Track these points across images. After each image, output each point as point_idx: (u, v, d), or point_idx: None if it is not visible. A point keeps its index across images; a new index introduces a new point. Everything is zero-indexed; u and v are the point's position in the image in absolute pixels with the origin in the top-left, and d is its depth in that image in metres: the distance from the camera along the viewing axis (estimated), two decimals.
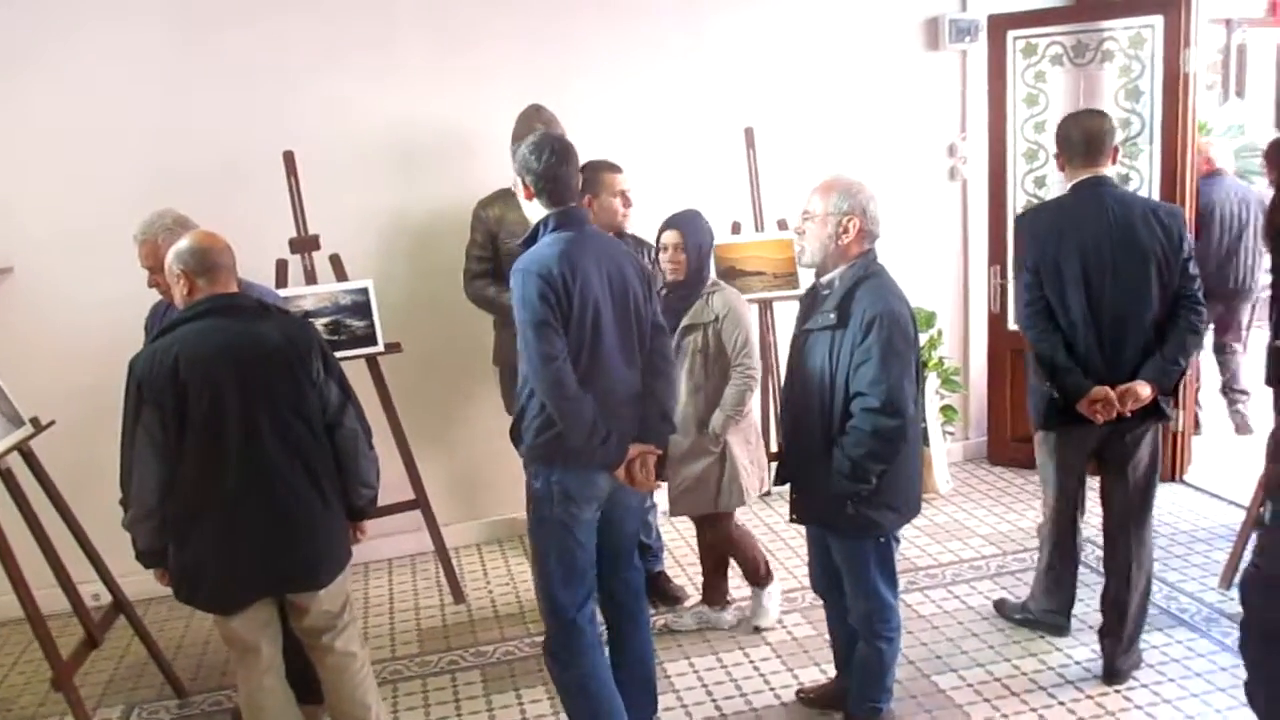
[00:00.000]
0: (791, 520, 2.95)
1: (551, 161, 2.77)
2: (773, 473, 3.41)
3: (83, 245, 4.19)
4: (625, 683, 3.05)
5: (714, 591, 3.91)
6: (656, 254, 3.68)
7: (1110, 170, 3.32)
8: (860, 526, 2.78)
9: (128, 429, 2.62)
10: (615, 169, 3.70)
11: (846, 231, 2.74)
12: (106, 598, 3.60)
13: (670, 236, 3.56)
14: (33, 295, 4.24)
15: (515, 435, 2.90)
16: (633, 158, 4.21)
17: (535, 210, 2.85)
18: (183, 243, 2.72)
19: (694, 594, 4.07)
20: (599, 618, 3.03)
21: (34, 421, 3.39)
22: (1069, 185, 3.33)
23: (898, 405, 2.64)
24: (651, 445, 2.90)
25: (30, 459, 3.39)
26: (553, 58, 4.64)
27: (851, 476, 2.69)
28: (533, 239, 2.82)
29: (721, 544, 3.81)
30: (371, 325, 4.12)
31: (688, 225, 3.57)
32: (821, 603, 3.22)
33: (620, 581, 3.10)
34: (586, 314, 2.72)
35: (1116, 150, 3.35)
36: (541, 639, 3.45)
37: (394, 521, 4.30)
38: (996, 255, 5.28)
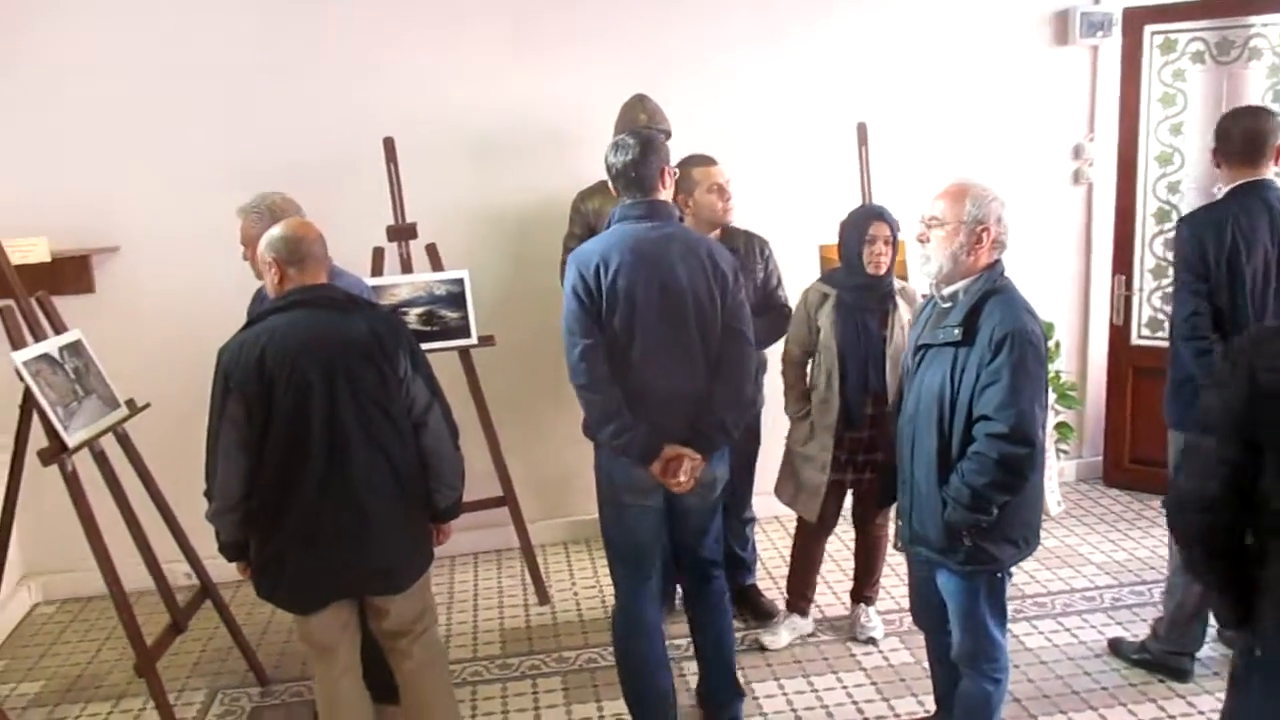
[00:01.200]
0: (897, 547, 2.75)
1: (628, 158, 2.81)
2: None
3: (186, 228, 4.21)
4: (708, 667, 3.18)
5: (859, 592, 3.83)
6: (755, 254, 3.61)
7: (1273, 172, 3.08)
8: (976, 560, 2.57)
9: (214, 420, 2.57)
10: (709, 161, 3.55)
11: (980, 242, 2.53)
12: (196, 579, 3.60)
13: (881, 229, 3.39)
14: (137, 276, 4.28)
15: None
16: (739, 152, 4.07)
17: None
18: (276, 230, 2.67)
19: (781, 610, 3.90)
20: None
21: (129, 404, 3.40)
22: (1226, 188, 3.09)
23: (1027, 433, 2.42)
24: (695, 451, 2.83)
25: (124, 441, 3.40)
26: (659, 47, 4.51)
27: (971, 506, 2.48)
28: (607, 228, 2.90)
29: (879, 543, 3.71)
30: (465, 317, 4.05)
31: (894, 219, 3.42)
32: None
33: (688, 570, 3.13)
34: (620, 308, 2.75)
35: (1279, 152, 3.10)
36: None
37: (482, 516, 4.23)
38: (1122, 264, 4.97)
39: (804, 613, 3.82)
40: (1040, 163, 4.98)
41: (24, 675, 3.86)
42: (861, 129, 4.32)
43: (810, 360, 3.58)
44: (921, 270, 2.64)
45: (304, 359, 2.53)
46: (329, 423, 2.55)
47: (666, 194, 2.90)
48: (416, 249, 4.10)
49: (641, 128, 4.00)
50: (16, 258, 3.58)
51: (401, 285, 3.99)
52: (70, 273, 4.11)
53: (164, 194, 4.24)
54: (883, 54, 4.73)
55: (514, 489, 4.22)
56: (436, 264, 4.10)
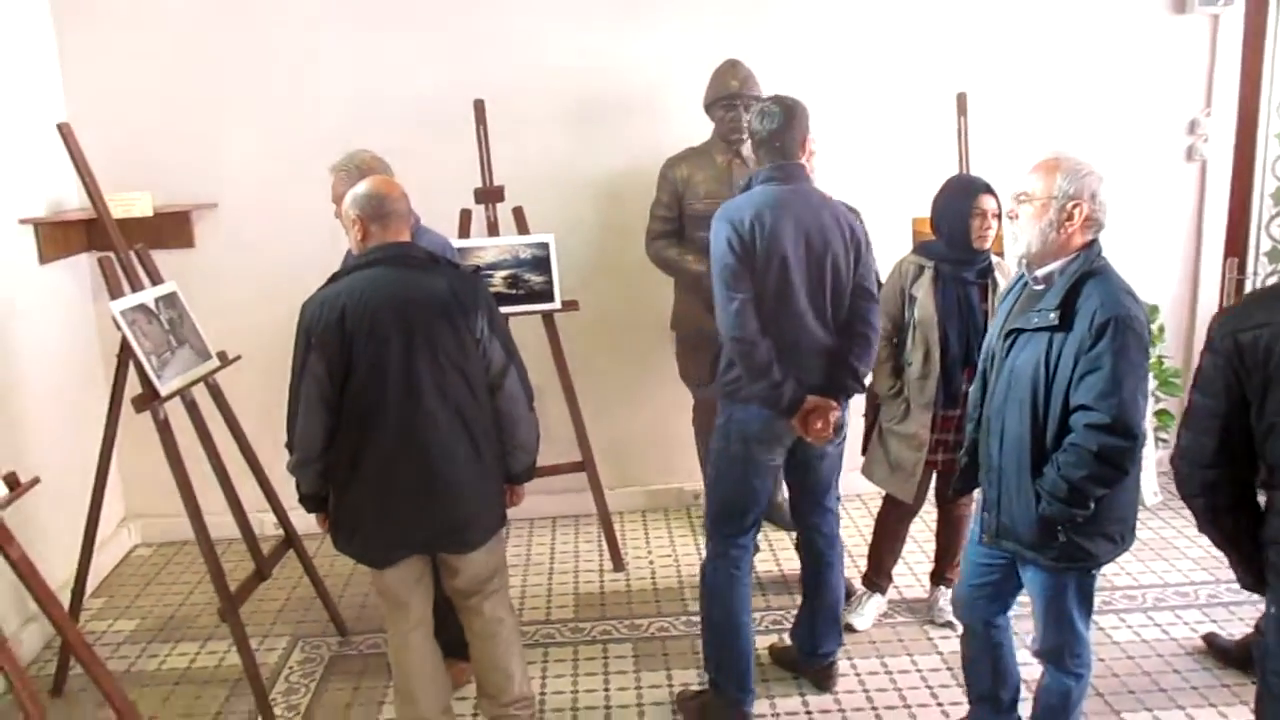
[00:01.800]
0: (982, 542, 2.65)
1: (773, 126, 2.92)
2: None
3: (282, 187, 4.30)
4: (816, 618, 3.27)
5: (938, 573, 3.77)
6: None
7: None
8: (1069, 556, 2.46)
9: (295, 373, 2.61)
10: None
11: (1070, 219, 2.39)
12: (281, 529, 3.69)
13: (989, 202, 3.31)
14: (234, 231, 4.39)
15: (714, 372, 3.09)
16: (830, 120, 3.97)
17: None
18: (361, 188, 2.69)
19: (861, 588, 3.84)
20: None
21: (221, 356, 3.49)
22: None
23: (1129, 424, 2.29)
24: (832, 400, 2.95)
25: (215, 392, 3.49)
26: (752, 12, 4.41)
27: (1068, 501, 2.37)
28: (746, 189, 2.96)
29: (961, 524, 3.64)
30: (550, 281, 4.05)
31: (997, 194, 3.34)
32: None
33: (813, 525, 3.22)
34: (772, 265, 2.84)
35: None
36: (699, 620, 3.36)
37: (560, 481, 4.25)
38: (1235, 246, 4.74)
39: (883, 591, 3.76)
40: (1151, 138, 4.75)
41: (120, 613, 4.02)
42: (961, 99, 4.18)
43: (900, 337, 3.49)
44: (1009, 249, 2.53)
45: (383, 315, 2.56)
46: (405, 380, 2.57)
47: (804, 161, 3.00)
48: (503, 212, 4.11)
49: (733, 94, 3.96)
50: (120, 211, 3.70)
51: (487, 248, 4.01)
52: (171, 228, 4.24)
53: (262, 154, 4.34)
54: (986, 20, 4.55)
55: (593, 455, 4.23)
56: (523, 227, 4.10)
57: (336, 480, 2.67)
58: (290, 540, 3.64)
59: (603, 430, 4.49)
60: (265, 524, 3.86)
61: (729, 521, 3.08)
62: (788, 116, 2.93)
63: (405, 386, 2.58)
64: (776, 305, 2.87)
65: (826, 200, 3.00)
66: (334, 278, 2.67)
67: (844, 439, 3.14)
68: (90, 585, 3.57)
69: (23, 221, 3.86)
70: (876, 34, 4.51)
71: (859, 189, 3.97)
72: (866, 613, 3.70)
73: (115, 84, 4.24)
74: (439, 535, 2.71)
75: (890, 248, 3.80)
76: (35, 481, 2.50)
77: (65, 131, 3.18)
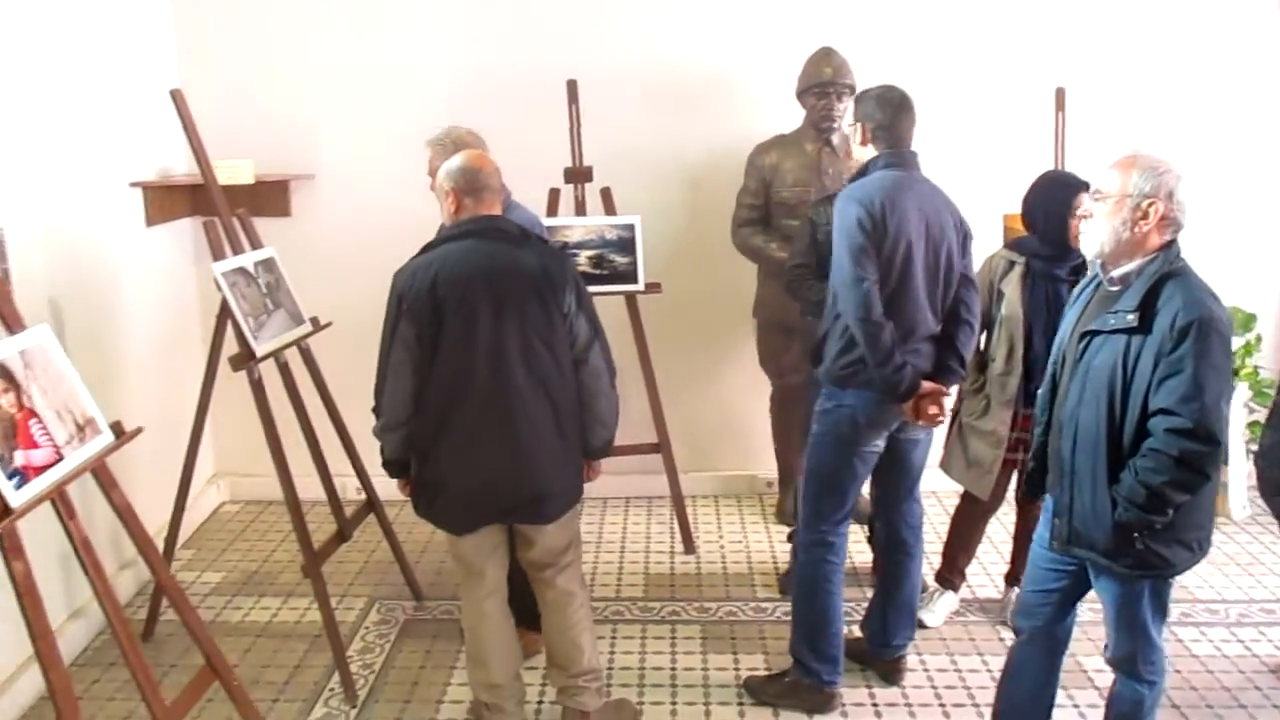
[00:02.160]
0: (1052, 549, 2.60)
1: (894, 115, 2.95)
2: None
3: (377, 160, 4.41)
4: (891, 610, 3.25)
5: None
6: None
7: None
8: (1145, 564, 2.40)
9: (386, 340, 2.67)
10: None
11: (1145, 218, 2.32)
12: (364, 493, 3.79)
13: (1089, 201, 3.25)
14: (330, 203, 4.51)
15: (816, 356, 3.06)
16: (924, 110, 3.91)
17: (866, 154, 3.01)
18: (455, 161, 2.74)
19: (933, 585, 3.81)
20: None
21: (313, 321, 3.59)
22: None
23: (1211, 429, 2.23)
24: (942, 385, 2.99)
25: (306, 356, 3.59)
26: (846, 1, 4.38)
27: (1147, 507, 2.31)
28: (860, 176, 2.99)
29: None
30: (634, 262, 4.08)
31: None
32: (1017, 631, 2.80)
33: (900, 514, 3.23)
34: (899, 249, 2.85)
35: None
36: (767, 606, 3.37)
37: (635, 462, 4.29)
38: None
39: (956, 589, 3.73)
40: (1256, 136, 4.58)
41: (207, 566, 4.18)
42: (1059, 94, 4.10)
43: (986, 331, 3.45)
44: (1083, 248, 2.47)
45: (474, 286, 2.61)
46: (493, 350, 2.62)
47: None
48: (591, 192, 4.15)
49: (826, 82, 3.94)
50: (223, 178, 3.82)
51: (574, 227, 4.05)
52: (270, 196, 4.37)
53: (359, 128, 4.44)
54: (1087, 13, 4.44)
55: (669, 438, 4.25)
56: (610, 208, 4.14)
57: (420, 447, 2.73)
58: (372, 504, 3.74)
59: (679, 413, 4.52)
60: (348, 488, 3.96)
61: (830, 507, 3.08)
62: (904, 104, 2.96)
63: (493, 357, 2.62)
64: (897, 289, 2.88)
65: (938, 188, 3.02)
66: (427, 248, 2.73)
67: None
68: (180, 538, 3.70)
69: (133, 185, 4.01)
70: (974, 26, 4.44)
71: (950, 183, 3.91)
72: (938, 609, 3.67)
73: (222, 54, 4.38)
74: (518, 506, 2.76)
75: (981, 244, 3.74)
76: (139, 431, 2.61)
77: (178, 97, 3.30)
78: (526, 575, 2.96)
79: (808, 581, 3.12)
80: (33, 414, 2.30)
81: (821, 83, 3.96)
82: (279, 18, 4.37)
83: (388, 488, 3.81)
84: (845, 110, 3.94)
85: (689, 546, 4.27)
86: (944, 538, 3.78)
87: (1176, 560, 2.41)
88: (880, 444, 3.05)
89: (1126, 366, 2.33)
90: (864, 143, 3.00)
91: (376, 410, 2.74)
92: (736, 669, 3.39)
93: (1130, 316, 2.32)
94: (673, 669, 3.40)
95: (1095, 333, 2.42)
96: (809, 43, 4.04)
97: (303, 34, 4.38)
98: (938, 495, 4.52)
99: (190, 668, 3.26)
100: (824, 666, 3.11)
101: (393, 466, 2.82)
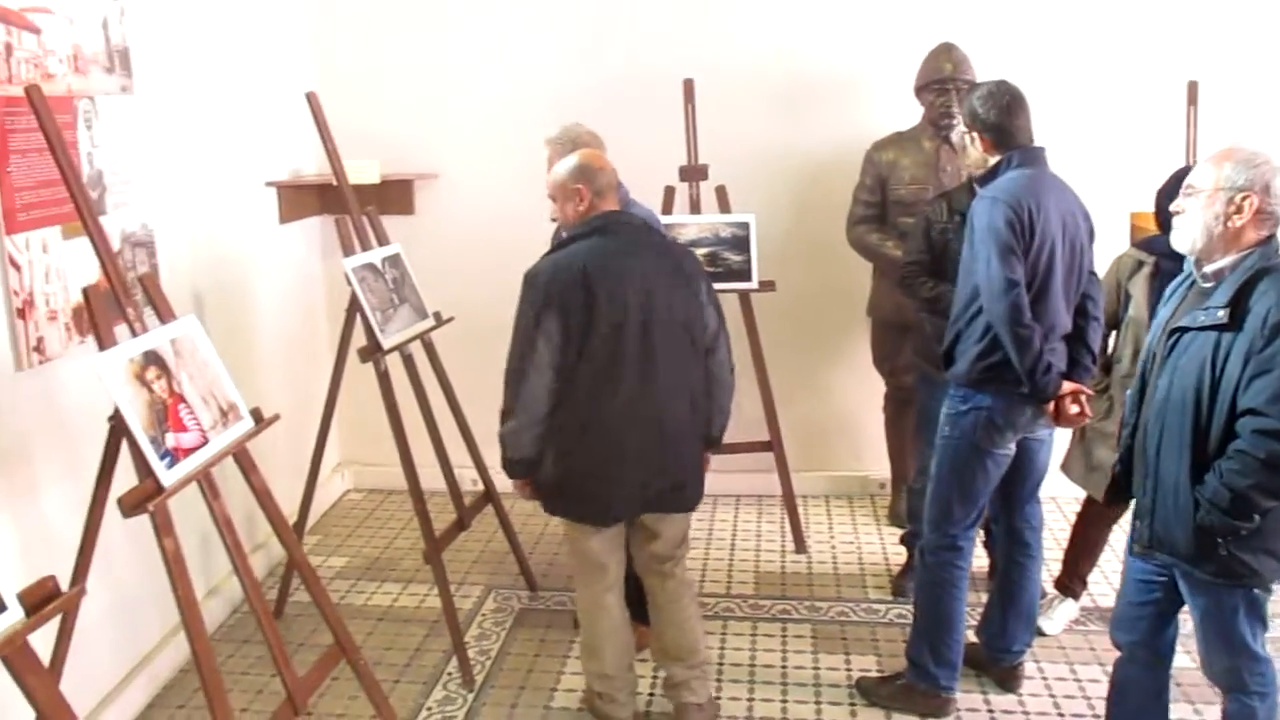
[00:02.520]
0: (1134, 553, 2.52)
1: (1003, 113, 2.86)
2: None
3: (496, 160, 4.51)
4: (1009, 614, 3.20)
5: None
6: None
7: None
8: (1229, 573, 2.30)
9: (523, 337, 2.67)
10: None
11: (1239, 211, 2.24)
12: (481, 485, 3.89)
13: None
14: (453, 202, 4.64)
15: (947, 358, 2.98)
16: (1046, 108, 3.82)
17: (981, 155, 2.95)
18: (580, 160, 2.78)
19: (1052, 592, 3.72)
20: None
21: (436, 316, 3.70)
22: None
23: None
24: (1080, 383, 2.94)
25: (430, 349, 3.71)
26: None
27: (1231, 511, 2.21)
28: (991, 175, 2.91)
29: None
30: (748, 260, 4.09)
31: None
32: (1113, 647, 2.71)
33: (1023, 516, 3.19)
34: (1044, 249, 2.79)
35: None
36: (879, 608, 3.33)
37: (746, 459, 4.30)
38: None
39: (1076, 596, 3.64)
40: None
41: (332, 551, 4.35)
42: (1192, 87, 3.95)
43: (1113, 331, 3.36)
44: (1175, 243, 2.38)
45: (624, 278, 2.64)
46: (642, 341, 2.66)
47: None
48: (706, 190, 4.17)
49: (946, 78, 3.88)
50: (352, 178, 3.96)
51: (689, 225, 4.08)
52: (394, 195, 4.52)
53: (480, 128, 4.56)
54: (1222, 1, 4.27)
55: (781, 436, 4.25)
56: (724, 206, 4.15)
57: (560, 443, 2.73)
58: (489, 495, 3.83)
59: (791, 412, 4.50)
60: (464, 479, 4.07)
61: (961, 512, 3.02)
62: (1016, 102, 2.88)
63: (641, 349, 2.65)
64: (1040, 289, 2.82)
65: (1065, 184, 2.96)
66: (558, 247, 2.77)
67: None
68: (307, 523, 3.85)
69: (268, 185, 4.20)
70: (1101, 17, 4.31)
71: (1076, 179, 3.81)
72: (1057, 617, 3.58)
73: (351, 61, 4.55)
74: (664, 494, 2.79)
75: (1108, 245, 3.64)
76: (276, 418, 2.73)
77: (313, 100, 3.45)
78: (638, 570, 3.00)
79: (933, 585, 3.08)
80: (182, 399, 2.43)
81: (941, 78, 3.90)
82: (404, 26, 4.51)
83: (504, 479, 3.92)
84: None
85: (800, 545, 4.26)
86: (1063, 544, 3.69)
87: (1264, 570, 2.31)
88: (1013, 447, 2.99)
89: (1215, 364, 2.25)
90: (986, 149, 2.93)
91: (508, 410, 2.73)
92: (848, 669, 3.37)
93: (1220, 313, 2.25)
94: (783, 667, 3.40)
95: (1184, 329, 2.34)
96: (928, 38, 3.99)
97: (426, 40, 4.51)
98: (1057, 501, 4.41)
99: (316, 647, 3.41)
100: (942, 671, 3.07)
101: (520, 466, 2.80)
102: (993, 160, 2.91)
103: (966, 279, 2.89)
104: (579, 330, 2.62)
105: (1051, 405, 2.88)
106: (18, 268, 2.68)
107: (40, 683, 1.80)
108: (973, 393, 2.92)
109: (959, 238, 3.23)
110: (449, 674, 3.39)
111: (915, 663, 3.12)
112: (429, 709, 3.21)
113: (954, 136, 3.95)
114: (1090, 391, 2.92)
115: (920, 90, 4.00)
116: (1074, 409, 2.90)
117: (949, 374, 2.98)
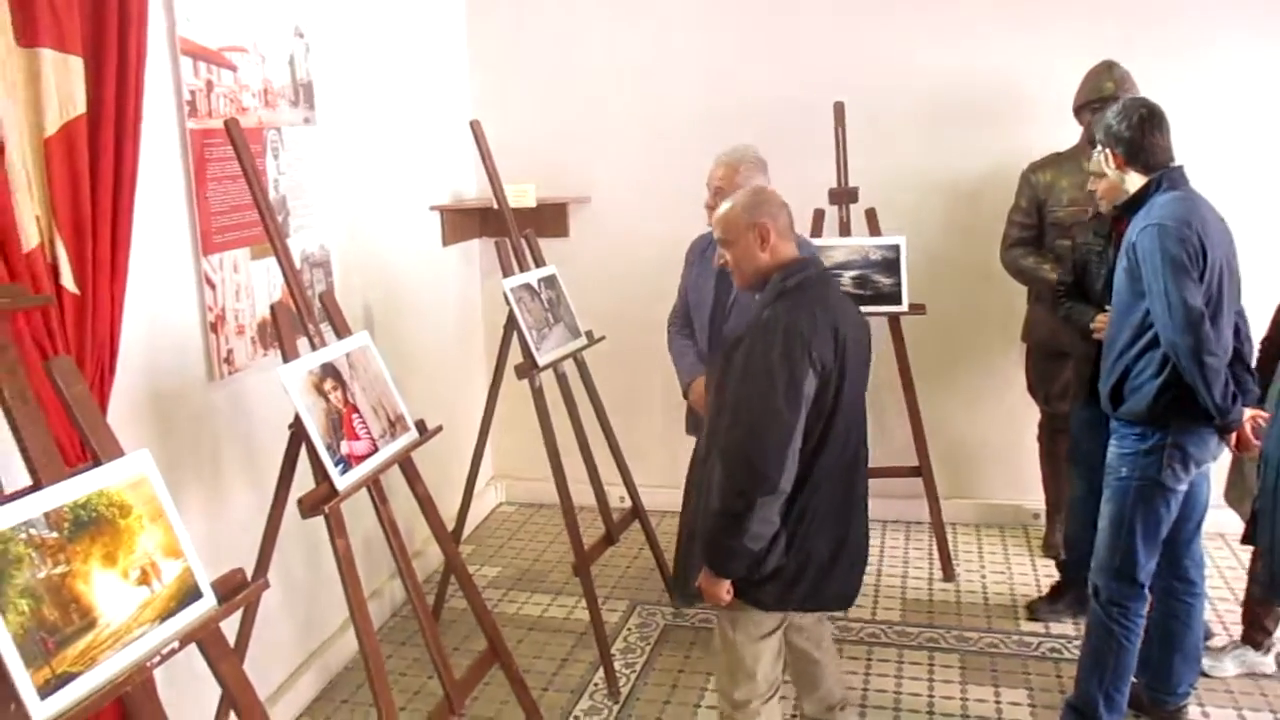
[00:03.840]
0: (1264, 599, 2.37)
1: (1141, 129, 2.77)
2: None
3: (647, 184, 4.62)
4: (1175, 653, 3.08)
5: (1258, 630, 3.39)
6: None
7: None
8: None
9: (779, 392, 2.25)
10: None
11: None
12: (629, 501, 3.97)
13: None
14: (603, 224, 4.76)
15: (1115, 396, 2.84)
16: (1208, 133, 3.70)
17: (1131, 180, 2.83)
18: (759, 195, 2.51)
19: (1220, 632, 3.55)
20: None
21: (588, 335, 3.81)
22: None
23: None
24: (1253, 407, 2.82)
25: (582, 368, 3.82)
26: (1127, 14, 4.16)
27: None
28: (1136, 201, 2.81)
29: None
30: (898, 283, 4.05)
31: None
32: None
33: (1190, 552, 3.06)
34: (1214, 272, 2.70)
35: None
36: (1031, 640, 3.22)
37: (895, 485, 4.25)
38: None
39: (1258, 645, 3.39)
40: None
41: (485, 560, 4.51)
42: None
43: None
44: None
45: (853, 340, 2.38)
46: (850, 411, 2.40)
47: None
48: (855, 212, 4.17)
49: (1108, 97, 3.77)
50: (511, 202, 4.13)
51: (838, 248, 4.08)
52: (549, 217, 4.68)
53: (632, 152, 4.67)
54: None
55: (930, 462, 4.19)
56: (874, 229, 4.14)
57: (792, 521, 2.36)
58: (637, 512, 3.91)
59: (941, 438, 4.44)
60: (612, 495, 4.17)
61: (1145, 556, 2.86)
62: (1154, 118, 2.80)
63: (849, 422, 2.40)
64: (1214, 315, 2.71)
65: (1209, 201, 2.86)
66: (781, 294, 2.39)
67: None
68: (462, 533, 4.01)
69: (432, 209, 4.42)
70: (1269, 36, 4.11)
71: (1231, 209, 3.67)
72: (1225, 662, 3.39)
73: (509, 90, 4.74)
74: (851, 594, 2.56)
75: (1268, 270, 3.48)
76: (439, 429, 2.88)
77: (476, 128, 3.62)
78: None
79: (1113, 634, 2.94)
80: (355, 409, 2.60)
81: (1102, 97, 3.78)
82: (558, 56, 4.68)
83: (653, 497, 3.99)
84: None
85: (948, 573, 4.18)
86: (1230, 582, 3.50)
87: None
88: (1191, 480, 2.86)
89: None
90: (1120, 166, 2.82)
91: (752, 485, 2.25)
92: (998, 702, 3.29)
93: None
94: (930, 697, 3.35)
95: None
96: (1085, 56, 3.88)
97: (579, 68, 4.66)
98: (1225, 537, 4.19)
99: (469, 652, 3.55)
100: (1113, 717, 2.97)
101: (744, 558, 2.31)
102: (1129, 180, 2.83)
103: (1127, 313, 2.78)
104: (828, 396, 2.32)
105: (1233, 434, 2.78)
106: (212, 286, 2.92)
107: (229, 666, 1.96)
108: (1156, 429, 2.78)
109: (1100, 260, 3.15)
110: (595, 685, 3.47)
111: (1081, 709, 3.00)
112: (575, 717, 3.29)
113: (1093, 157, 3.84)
114: (1266, 415, 2.78)
115: (1079, 110, 3.89)
116: (1253, 437, 2.79)
117: (1120, 413, 2.85)
